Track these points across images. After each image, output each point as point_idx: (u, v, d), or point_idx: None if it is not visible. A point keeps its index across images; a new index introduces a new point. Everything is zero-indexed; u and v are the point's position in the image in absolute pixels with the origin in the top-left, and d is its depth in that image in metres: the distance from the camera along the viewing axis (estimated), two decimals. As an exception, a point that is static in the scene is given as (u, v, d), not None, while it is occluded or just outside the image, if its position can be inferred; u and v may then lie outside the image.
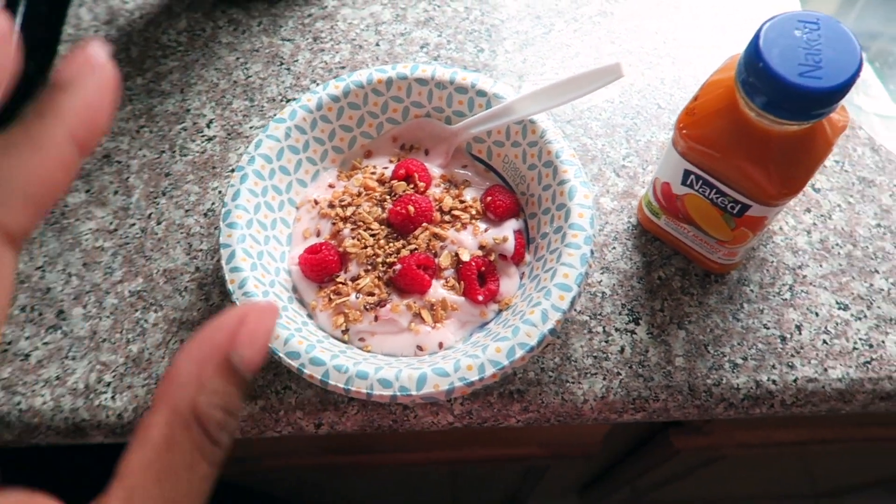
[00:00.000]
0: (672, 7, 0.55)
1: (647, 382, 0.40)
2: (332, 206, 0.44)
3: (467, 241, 0.42)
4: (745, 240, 0.39)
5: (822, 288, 0.43)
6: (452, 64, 0.52)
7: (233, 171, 0.49)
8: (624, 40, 0.54)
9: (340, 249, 0.42)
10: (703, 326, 0.42)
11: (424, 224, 0.42)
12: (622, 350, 0.41)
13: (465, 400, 0.40)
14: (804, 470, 1.14)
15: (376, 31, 0.55)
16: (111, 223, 0.47)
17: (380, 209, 0.43)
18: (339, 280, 0.41)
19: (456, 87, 0.45)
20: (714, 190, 0.37)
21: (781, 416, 0.42)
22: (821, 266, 0.44)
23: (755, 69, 0.31)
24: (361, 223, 0.42)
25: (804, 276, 0.44)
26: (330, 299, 0.41)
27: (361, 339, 0.40)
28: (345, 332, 0.40)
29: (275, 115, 0.51)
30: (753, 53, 0.31)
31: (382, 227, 0.42)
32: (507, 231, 0.42)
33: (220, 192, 0.48)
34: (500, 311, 0.41)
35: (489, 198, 0.44)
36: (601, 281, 0.44)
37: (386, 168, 0.46)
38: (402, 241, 0.42)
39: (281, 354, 0.36)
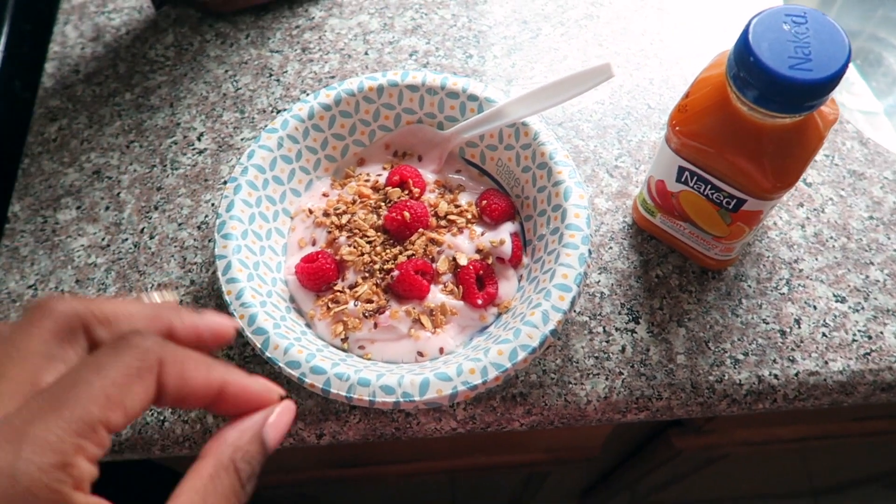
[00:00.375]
0: (656, 9, 0.56)
1: (650, 381, 0.40)
2: (326, 214, 0.43)
3: (464, 245, 0.42)
4: (741, 235, 0.39)
5: (818, 281, 0.43)
6: (442, 71, 0.53)
7: (225, 182, 0.48)
8: (611, 42, 0.54)
9: (337, 258, 0.41)
10: (702, 323, 0.42)
11: (421, 230, 0.42)
12: (623, 349, 0.41)
13: (468, 405, 0.40)
14: (802, 467, 1.15)
15: (364, 40, 0.55)
16: (103, 239, 0.46)
17: (375, 216, 0.43)
18: (336, 288, 0.41)
19: (447, 93, 0.45)
20: (709, 186, 0.37)
21: (783, 412, 0.42)
22: (816, 259, 0.44)
23: (746, 63, 0.31)
24: (357, 231, 0.42)
25: (800, 270, 0.44)
26: (328, 308, 0.40)
27: (361, 347, 0.40)
28: (344, 340, 0.40)
29: (266, 125, 0.51)
30: (743, 48, 0.31)
31: (378, 233, 0.42)
32: (504, 234, 0.42)
33: (213, 204, 0.47)
34: (499, 314, 0.41)
35: (484, 201, 0.44)
36: (599, 281, 0.44)
37: (380, 175, 0.45)
38: (398, 248, 0.42)
39: (281, 364, 0.36)
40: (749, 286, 0.43)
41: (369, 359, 0.40)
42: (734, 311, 0.43)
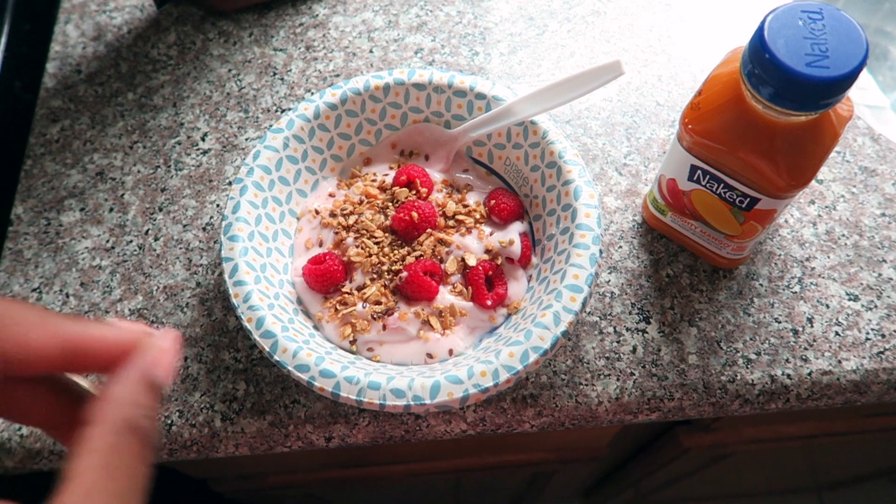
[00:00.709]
0: (664, 4, 0.55)
1: (662, 381, 0.40)
2: (333, 215, 0.43)
3: (473, 245, 0.41)
4: (753, 234, 0.39)
5: (831, 279, 0.43)
6: (448, 69, 0.52)
7: (230, 183, 0.48)
8: (618, 39, 0.53)
9: (344, 259, 0.41)
10: (714, 323, 0.42)
11: (429, 230, 0.42)
12: (634, 350, 0.41)
13: (478, 407, 0.40)
14: (807, 463, 1.14)
15: (369, 37, 0.54)
16: (108, 241, 0.46)
17: (382, 216, 0.42)
18: (344, 290, 0.40)
19: (454, 91, 0.44)
20: (722, 184, 0.37)
21: (794, 411, 0.42)
22: (828, 257, 0.44)
23: (761, 60, 0.31)
24: (365, 231, 0.42)
25: (813, 269, 0.43)
26: (336, 310, 0.40)
27: (370, 349, 0.39)
28: (352, 342, 0.39)
29: (271, 125, 0.50)
30: (759, 45, 0.31)
31: (386, 234, 0.42)
32: (513, 234, 0.42)
33: (218, 205, 0.47)
34: (508, 315, 0.41)
35: (493, 201, 0.43)
36: (609, 281, 0.43)
37: (386, 175, 0.45)
38: (406, 248, 0.41)
39: (290, 368, 0.35)
40: (761, 285, 0.43)
41: (378, 361, 0.39)
42: (746, 311, 0.42)
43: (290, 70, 0.53)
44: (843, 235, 0.44)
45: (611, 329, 0.42)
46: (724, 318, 0.42)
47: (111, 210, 0.47)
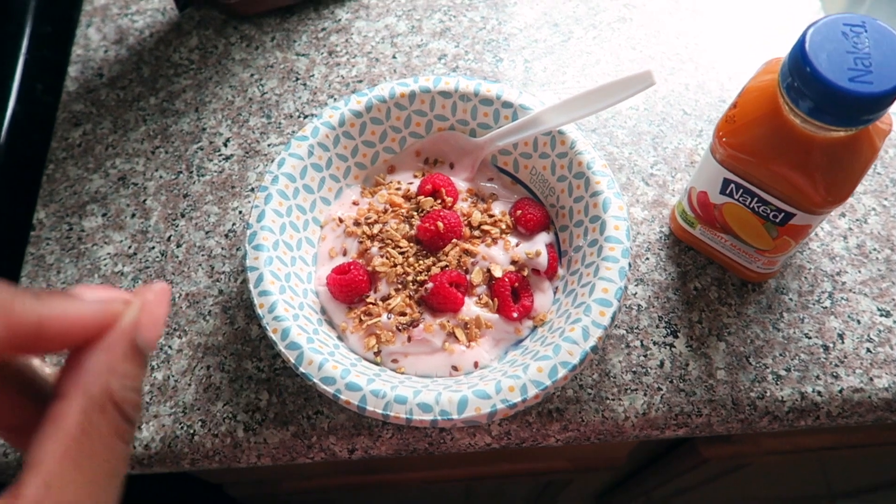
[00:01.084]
0: (691, 11, 0.55)
1: (690, 397, 0.39)
2: (357, 223, 0.42)
3: (499, 256, 0.41)
4: (786, 249, 0.38)
5: (862, 294, 0.42)
6: (472, 75, 0.52)
7: (252, 190, 0.48)
8: (644, 46, 0.53)
9: (369, 269, 0.41)
10: (743, 338, 0.41)
11: (454, 240, 0.41)
12: (662, 364, 0.40)
13: (503, 420, 0.39)
14: (821, 471, 1.13)
15: (392, 43, 0.54)
16: (130, 247, 0.46)
17: (407, 226, 0.42)
18: (369, 300, 0.40)
19: (480, 99, 0.44)
20: (755, 199, 0.36)
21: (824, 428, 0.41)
22: (859, 272, 0.43)
23: (802, 74, 0.30)
24: (389, 241, 0.41)
25: (843, 283, 0.43)
26: (361, 320, 0.40)
27: (394, 361, 0.39)
28: (377, 353, 0.39)
29: (293, 131, 0.50)
30: (800, 58, 0.30)
31: (411, 244, 0.41)
32: (540, 245, 0.41)
33: (240, 211, 0.47)
34: (534, 327, 0.40)
35: (519, 211, 0.43)
36: (636, 293, 0.43)
37: (411, 183, 0.45)
38: (431, 259, 0.41)
39: (315, 380, 0.35)
40: (790, 299, 0.42)
41: (402, 373, 0.39)
42: (775, 325, 0.41)
43: (313, 75, 0.52)
44: (875, 249, 0.44)
45: (638, 343, 0.41)
46: (753, 333, 0.41)
47: (133, 216, 0.47)
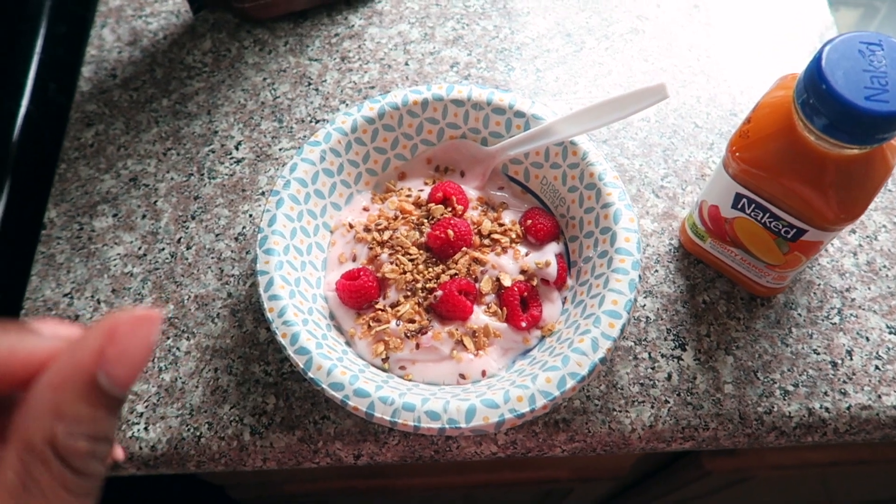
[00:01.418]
0: (703, 23, 0.55)
1: (697, 411, 0.39)
2: (367, 230, 0.43)
3: (508, 265, 0.41)
4: (797, 264, 0.38)
5: (871, 311, 0.42)
6: (484, 83, 0.52)
7: (263, 193, 0.48)
8: (657, 58, 0.53)
9: (378, 275, 0.41)
10: (751, 352, 0.41)
11: (464, 248, 0.41)
12: (669, 377, 0.40)
13: (510, 430, 0.39)
14: (822, 485, 1.13)
15: (405, 50, 0.54)
16: (140, 248, 0.46)
17: (417, 233, 0.42)
18: (378, 307, 0.40)
19: (493, 108, 0.44)
20: (768, 214, 0.36)
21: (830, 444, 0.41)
22: (869, 289, 0.43)
23: (818, 91, 0.30)
24: (399, 248, 0.41)
25: (853, 300, 0.43)
26: (369, 326, 0.40)
27: (402, 368, 0.39)
28: (385, 360, 0.39)
29: (305, 136, 0.50)
30: (816, 75, 0.30)
31: (421, 251, 0.41)
32: (549, 255, 0.41)
33: (250, 215, 0.47)
34: (542, 337, 0.40)
35: (529, 220, 0.43)
36: (645, 305, 0.43)
37: (421, 190, 0.45)
38: (441, 267, 0.41)
39: (324, 386, 0.35)
40: (799, 314, 0.42)
41: (410, 380, 0.39)
42: (784, 340, 0.41)
43: (325, 80, 0.53)
44: (885, 266, 0.44)
45: (646, 355, 0.41)
46: (762, 348, 0.41)
47: (144, 217, 0.47)
